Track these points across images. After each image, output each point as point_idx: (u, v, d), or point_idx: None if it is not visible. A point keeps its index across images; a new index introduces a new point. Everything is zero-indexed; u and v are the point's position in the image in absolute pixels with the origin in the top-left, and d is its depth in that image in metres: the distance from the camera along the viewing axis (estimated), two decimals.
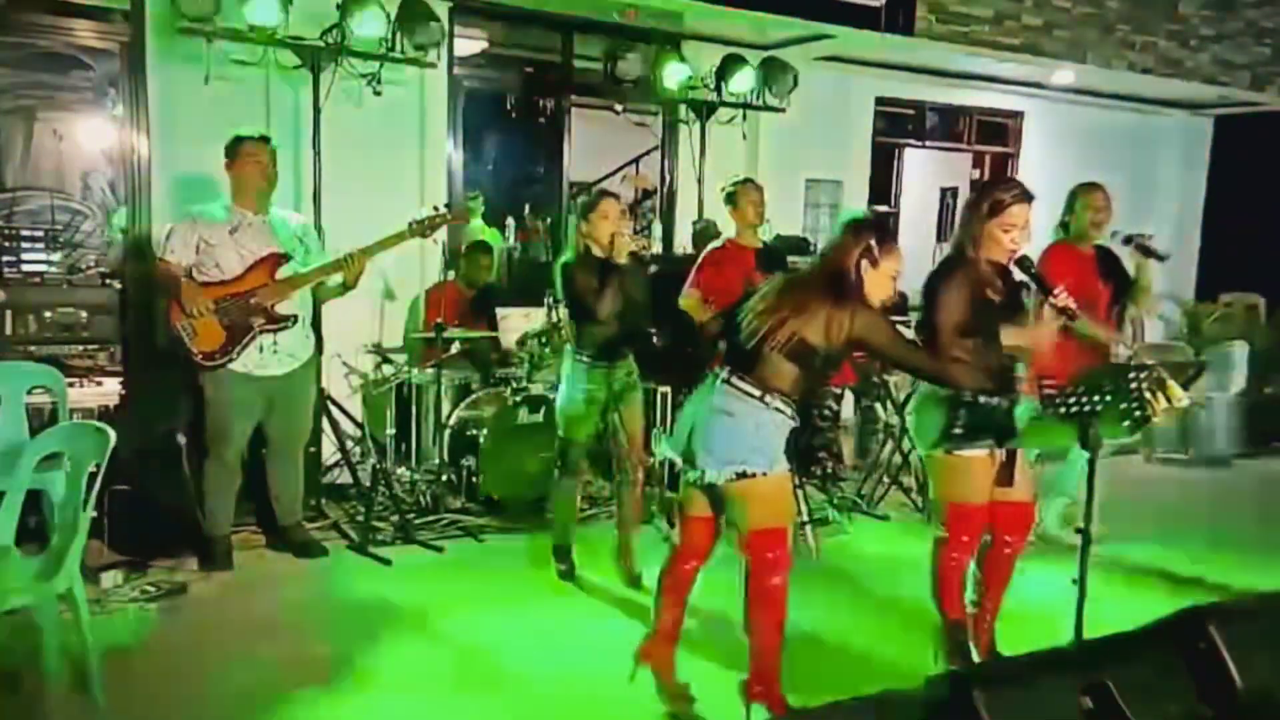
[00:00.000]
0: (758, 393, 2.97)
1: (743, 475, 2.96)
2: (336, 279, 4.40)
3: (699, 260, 5.30)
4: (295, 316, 4.33)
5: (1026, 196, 3.31)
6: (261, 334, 4.25)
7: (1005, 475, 3.37)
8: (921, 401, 3.47)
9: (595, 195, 4.20)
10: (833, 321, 2.94)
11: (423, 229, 4.36)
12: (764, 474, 2.96)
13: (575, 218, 4.09)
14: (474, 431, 5.11)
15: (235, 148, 4.31)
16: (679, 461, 3.14)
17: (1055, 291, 3.28)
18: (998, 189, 3.35)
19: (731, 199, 5.30)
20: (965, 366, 3.16)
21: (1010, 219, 3.26)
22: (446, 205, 4.48)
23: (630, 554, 4.35)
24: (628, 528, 4.40)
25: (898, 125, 8.03)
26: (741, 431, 2.97)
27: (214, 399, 4.29)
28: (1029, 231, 3.30)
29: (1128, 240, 4.66)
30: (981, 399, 3.26)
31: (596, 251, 4.02)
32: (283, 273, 4.29)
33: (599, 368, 4.12)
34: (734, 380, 3.01)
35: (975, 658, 3.59)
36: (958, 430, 3.29)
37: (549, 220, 6.97)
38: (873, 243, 3.02)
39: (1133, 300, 4.78)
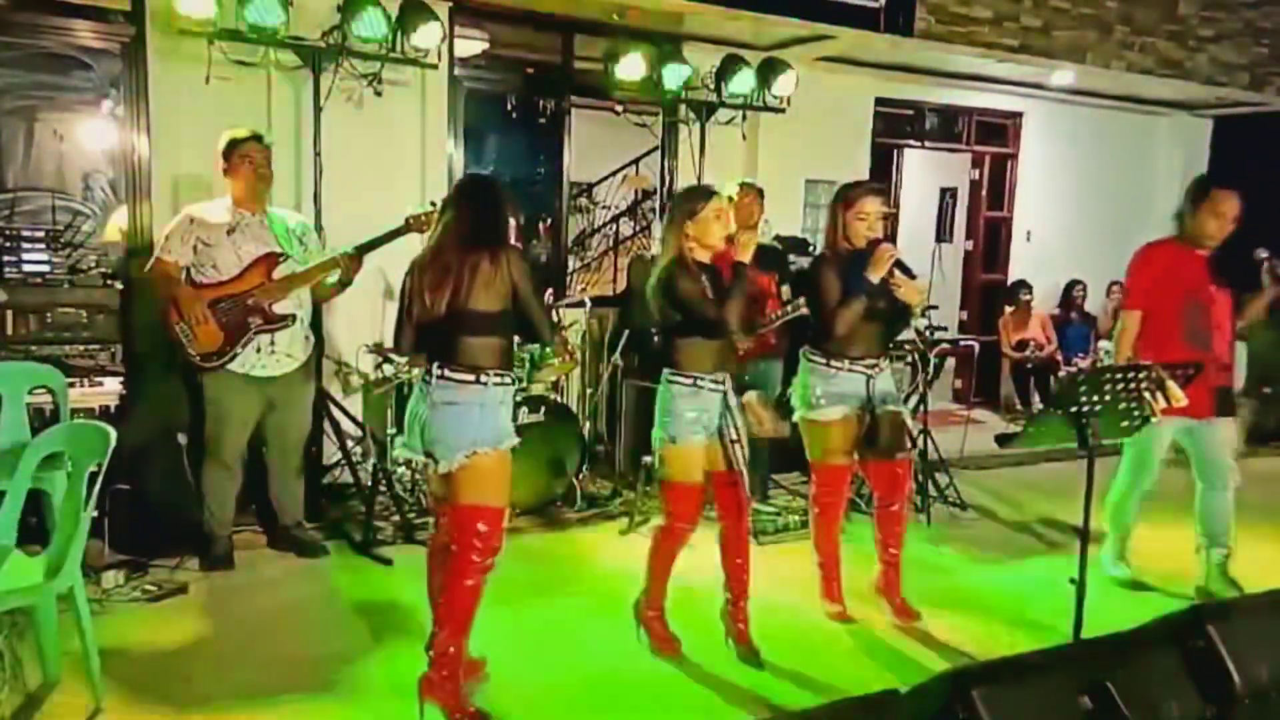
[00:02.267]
0: (471, 377, 3.09)
1: (473, 455, 3.07)
2: (333, 277, 4.40)
3: None
4: (293, 316, 4.33)
5: (875, 190, 3.95)
6: (259, 334, 4.26)
7: (869, 443, 3.88)
8: (800, 370, 4.01)
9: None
10: (494, 277, 3.09)
11: (420, 224, 4.30)
12: (491, 450, 3.09)
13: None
14: None
15: (230, 150, 4.31)
16: (417, 460, 3.28)
17: (880, 249, 3.79)
18: (850, 188, 3.96)
19: (730, 202, 5.31)
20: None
21: (863, 209, 3.84)
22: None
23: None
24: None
25: (898, 125, 8.03)
26: (469, 417, 3.09)
27: (212, 399, 4.29)
28: (881, 220, 3.90)
29: (1262, 261, 4.69)
30: (837, 370, 3.87)
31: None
32: (280, 272, 4.30)
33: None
34: (446, 372, 3.10)
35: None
36: (819, 397, 3.90)
37: (549, 220, 6.97)
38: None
39: (1240, 314, 4.82)
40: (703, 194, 3.58)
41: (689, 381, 3.50)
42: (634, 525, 5.09)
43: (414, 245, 5.16)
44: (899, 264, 3.88)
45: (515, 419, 4.62)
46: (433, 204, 4.32)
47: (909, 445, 4.11)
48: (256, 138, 4.37)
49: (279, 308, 4.29)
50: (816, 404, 3.92)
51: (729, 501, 3.60)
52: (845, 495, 4.11)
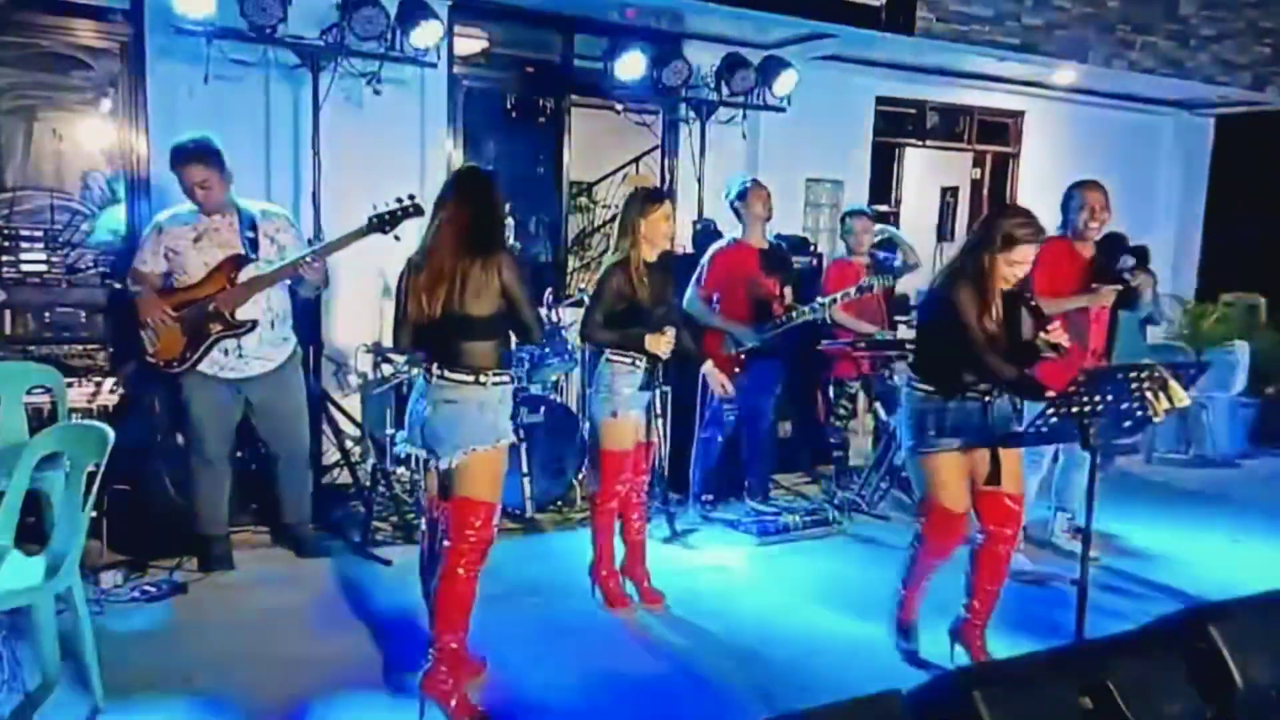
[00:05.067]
0: (470, 378, 3.15)
1: (471, 452, 3.15)
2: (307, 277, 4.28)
3: (705, 260, 5.29)
4: (254, 322, 4.22)
5: (1038, 238, 3.38)
6: (220, 339, 4.19)
7: (992, 474, 3.42)
8: (905, 401, 3.58)
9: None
10: (485, 282, 3.13)
11: (383, 224, 4.01)
12: (489, 448, 3.16)
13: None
14: None
15: (173, 164, 4.13)
16: (418, 456, 3.34)
17: (1050, 327, 3.36)
18: (1017, 225, 3.35)
19: (744, 196, 5.29)
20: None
21: (1018, 256, 3.34)
22: (410, 196, 4.04)
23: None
24: None
25: (898, 125, 8.02)
26: (468, 416, 3.15)
27: (189, 401, 4.26)
28: (1028, 267, 3.38)
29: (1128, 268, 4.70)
30: (953, 400, 3.43)
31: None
32: (246, 274, 4.19)
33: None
34: (446, 373, 3.16)
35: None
36: (930, 430, 3.45)
37: (548, 220, 6.97)
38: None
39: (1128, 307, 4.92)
40: (655, 196, 3.99)
41: (628, 361, 3.91)
42: None
43: (414, 245, 5.20)
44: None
45: (516, 417, 4.71)
46: (399, 200, 4.04)
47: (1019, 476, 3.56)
48: (181, 151, 4.10)
49: (242, 313, 4.19)
50: (930, 438, 3.47)
51: (640, 464, 4.12)
52: (956, 546, 3.56)
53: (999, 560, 3.55)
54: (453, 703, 3.13)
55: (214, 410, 4.28)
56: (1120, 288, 4.61)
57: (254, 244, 4.26)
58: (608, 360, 3.96)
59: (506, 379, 3.24)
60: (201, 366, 4.20)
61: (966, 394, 3.44)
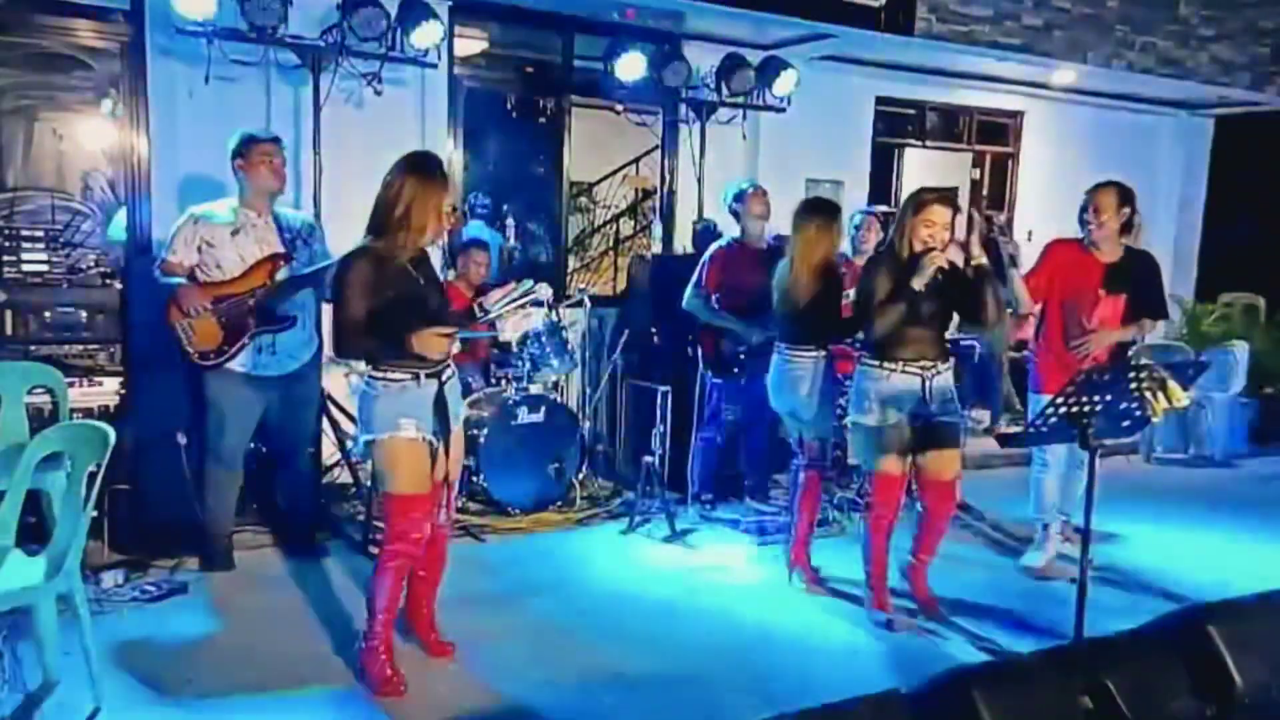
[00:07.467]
0: (359, 368, 3.28)
1: (369, 444, 3.25)
2: None
3: (705, 259, 5.30)
4: (293, 318, 4.31)
5: (947, 200, 3.82)
6: (258, 335, 4.25)
7: (919, 446, 3.85)
8: (855, 373, 3.97)
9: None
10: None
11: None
12: (372, 440, 3.22)
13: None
14: (474, 431, 5.11)
15: (248, 148, 4.23)
16: None
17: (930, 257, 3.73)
18: (924, 192, 3.88)
19: (741, 198, 5.31)
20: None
21: (930, 216, 3.76)
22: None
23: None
24: None
25: (898, 124, 8.02)
26: (357, 406, 3.33)
27: (215, 398, 4.28)
28: (947, 231, 3.78)
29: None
30: (889, 371, 3.79)
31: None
32: (282, 274, 4.27)
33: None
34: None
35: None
36: (869, 401, 3.83)
37: (548, 220, 6.98)
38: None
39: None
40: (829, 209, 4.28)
41: (895, 366, 3.87)
42: (634, 525, 5.09)
43: None
44: (1005, 261, 3.98)
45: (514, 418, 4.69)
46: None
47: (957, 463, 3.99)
48: (276, 139, 4.33)
49: (279, 309, 4.27)
50: (869, 408, 3.86)
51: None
52: (897, 505, 3.98)
53: (937, 528, 4.02)
54: (376, 673, 3.27)
55: (238, 410, 4.30)
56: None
57: (289, 245, 4.33)
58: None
59: (395, 375, 3.19)
60: (233, 364, 4.22)
61: (905, 367, 3.79)
